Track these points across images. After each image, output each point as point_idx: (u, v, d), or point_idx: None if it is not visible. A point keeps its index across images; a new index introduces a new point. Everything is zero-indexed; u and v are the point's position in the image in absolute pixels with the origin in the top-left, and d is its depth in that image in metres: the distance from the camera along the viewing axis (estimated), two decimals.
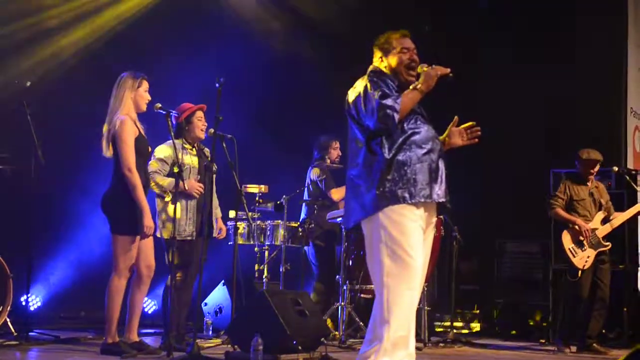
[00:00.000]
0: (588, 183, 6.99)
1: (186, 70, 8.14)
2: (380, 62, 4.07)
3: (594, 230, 6.82)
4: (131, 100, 5.24)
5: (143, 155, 5.28)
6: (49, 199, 7.17)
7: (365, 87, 3.88)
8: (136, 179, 5.07)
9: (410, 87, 3.92)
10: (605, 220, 6.88)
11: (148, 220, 5.06)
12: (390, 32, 4.10)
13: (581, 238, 6.77)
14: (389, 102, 3.77)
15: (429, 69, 3.93)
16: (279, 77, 9.05)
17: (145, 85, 5.31)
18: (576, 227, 6.78)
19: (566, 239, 6.84)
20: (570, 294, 6.92)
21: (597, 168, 6.97)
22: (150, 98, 5.32)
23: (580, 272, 6.74)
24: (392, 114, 3.75)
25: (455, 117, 4.12)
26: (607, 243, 6.83)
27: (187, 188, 5.68)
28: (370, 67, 4.09)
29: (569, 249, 6.81)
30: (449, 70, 3.94)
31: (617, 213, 6.95)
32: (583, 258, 6.76)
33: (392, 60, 4.03)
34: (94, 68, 7.69)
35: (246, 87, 8.25)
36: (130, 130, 5.12)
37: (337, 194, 7.30)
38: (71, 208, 7.78)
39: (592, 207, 6.95)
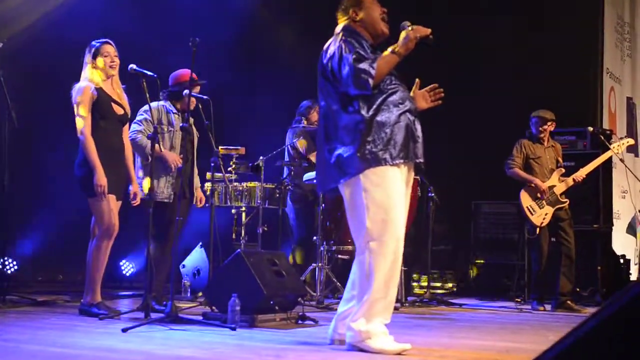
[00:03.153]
0: (544, 142, 7.08)
1: (160, 29, 8.03)
2: (355, 17, 3.94)
3: (551, 187, 6.91)
4: (93, 69, 5.21)
5: (112, 118, 5.23)
6: (23, 162, 7.09)
7: (340, 48, 3.78)
8: (88, 141, 5.05)
9: (389, 49, 3.84)
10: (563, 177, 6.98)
11: (98, 180, 5.03)
12: None
13: (539, 195, 6.86)
14: (364, 66, 3.69)
15: (409, 30, 3.83)
16: (254, 34, 8.97)
17: (105, 50, 5.23)
18: (533, 185, 6.87)
19: (524, 197, 6.93)
20: (531, 252, 7.05)
21: (549, 126, 7.04)
22: (116, 61, 5.25)
23: (538, 229, 6.84)
24: (366, 79, 3.68)
25: (417, 79, 4.07)
26: (565, 200, 6.92)
27: (163, 150, 5.67)
28: (341, 25, 3.96)
29: (527, 207, 6.90)
30: (429, 31, 3.84)
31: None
32: (541, 215, 6.86)
33: (368, 12, 3.94)
34: (65, 28, 7.55)
35: (221, 45, 8.16)
36: (85, 97, 5.10)
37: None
38: (46, 171, 7.70)
39: (549, 164, 7.04)
